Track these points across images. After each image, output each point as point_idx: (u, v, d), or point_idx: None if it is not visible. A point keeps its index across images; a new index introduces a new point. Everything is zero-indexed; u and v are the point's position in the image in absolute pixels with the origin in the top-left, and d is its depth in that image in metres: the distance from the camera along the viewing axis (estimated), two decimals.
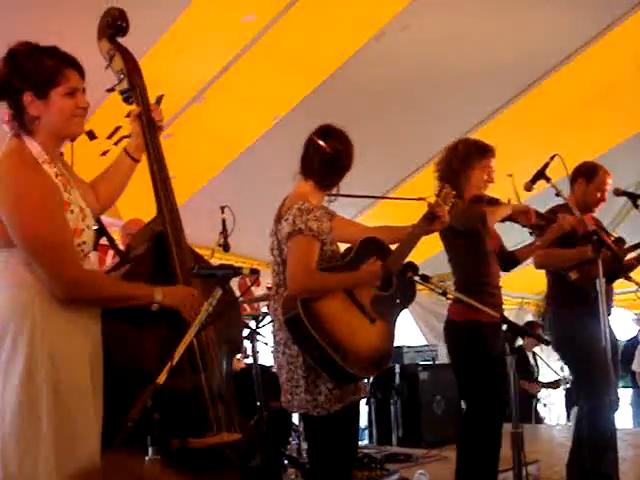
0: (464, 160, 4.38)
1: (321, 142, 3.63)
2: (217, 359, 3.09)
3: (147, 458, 2.32)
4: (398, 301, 3.66)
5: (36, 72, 2.66)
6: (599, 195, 5.03)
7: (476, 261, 4.40)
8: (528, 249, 4.72)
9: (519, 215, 4.48)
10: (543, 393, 10.13)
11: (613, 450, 4.66)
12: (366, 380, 3.64)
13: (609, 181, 5.04)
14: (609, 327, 4.46)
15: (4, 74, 2.67)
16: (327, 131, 3.68)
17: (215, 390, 3.01)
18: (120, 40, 3.28)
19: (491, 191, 4.51)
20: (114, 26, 3.23)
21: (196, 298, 2.91)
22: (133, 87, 3.23)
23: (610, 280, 4.79)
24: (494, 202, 4.44)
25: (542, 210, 4.77)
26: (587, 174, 5.03)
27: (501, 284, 4.62)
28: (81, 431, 2.57)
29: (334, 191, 3.74)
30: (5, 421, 2.47)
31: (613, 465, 4.63)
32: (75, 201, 2.73)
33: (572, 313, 4.84)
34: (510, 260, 4.71)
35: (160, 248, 3.09)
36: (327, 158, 3.61)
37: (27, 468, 2.45)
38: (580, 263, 4.75)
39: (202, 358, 2.98)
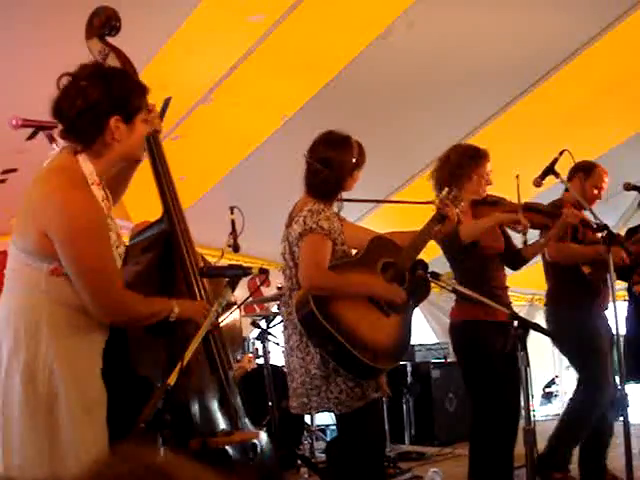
0: (457, 170, 4.31)
1: (307, 157, 3.64)
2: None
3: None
4: (411, 298, 3.66)
5: (129, 97, 2.64)
6: (596, 192, 5.02)
7: (475, 266, 4.36)
8: (535, 247, 4.69)
9: (511, 225, 4.43)
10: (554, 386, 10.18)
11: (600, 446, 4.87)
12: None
13: (606, 179, 5.04)
14: (607, 322, 4.67)
15: (96, 96, 2.58)
16: (320, 140, 3.68)
17: (232, 388, 3.04)
18: (111, 40, 3.21)
19: (498, 188, 4.49)
20: (109, 25, 3.17)
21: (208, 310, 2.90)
22: None
23: (625, 277, 4.82)
24: (498, 203, 4.40)
25: None
26: (585, 170, 5.03)
27: (511, 281, 4.61)
28: (68, 444, 2.53)
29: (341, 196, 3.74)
30: (9, 420, 2.49)
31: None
32: (114, 227, 2.72)
33: (576, 307, 4.85)
34: (517, 259, 4.68)
35: (167, 248, 3.08)
36: (315, 172, 3.62)
37: (28, 466, 2.46)
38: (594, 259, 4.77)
39: (220, 357, 3.00)
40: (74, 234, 2.53)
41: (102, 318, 2.63)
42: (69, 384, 2.54)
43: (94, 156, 2.63)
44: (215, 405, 2.99)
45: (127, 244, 3.10)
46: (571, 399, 5.07)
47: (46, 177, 2.63)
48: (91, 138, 2.61)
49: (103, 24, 3.19)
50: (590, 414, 4.73)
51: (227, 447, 2.89)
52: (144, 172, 3.16)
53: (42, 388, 2.50)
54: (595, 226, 4.46)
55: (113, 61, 3.17)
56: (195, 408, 2.92)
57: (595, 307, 4.86)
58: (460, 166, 4.32)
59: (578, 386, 4.99)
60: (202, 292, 3.05)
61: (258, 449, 3.01)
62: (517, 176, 4.23)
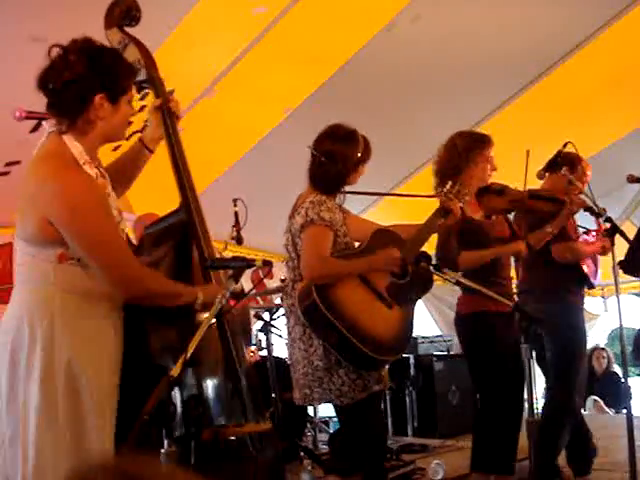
0: (466, 155, 4.23)
1: (312, 149, 3.63)
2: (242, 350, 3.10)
3: (162, 451, 2.33)
4: (414, 290, 3.67)
5: (116, 76, 2.63)
6: (580, 186, 4.94)
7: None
8: (540, 234, 4.64)
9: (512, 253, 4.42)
10: None
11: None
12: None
13: (589, 173, 4.98)
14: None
15: (83, 70, 2.56)
16: (326, 133, 3.68)
17: (245, 380, 3.04)
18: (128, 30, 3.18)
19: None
20: (129, 16, 3.14)
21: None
22: (151, 78, 3.13)
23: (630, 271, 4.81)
24: (503, 191, 4.36)
25: None
26: (570, 162, 4.92)
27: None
28: (94, 432, 2.52)
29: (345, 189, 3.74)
30: (28, 418, 2.45)
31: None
32: (113, 204, 2.71)
33: (568, 304, 4.81)
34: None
35: (184, 238, 3.07)
36: (319, 164, 3.61)
37: (42, 466, 2.43)
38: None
39: (235, 347, 2.99)
40: (75, 212, 2.52)
41: (127, 293, 2.63)
42: (89, 372, 2.53)
43: (78, 134, 2.62)
44: (227, 396, 2.99)
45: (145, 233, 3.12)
46: (547, 404, 4.89)
47: (37, 165, 2.62)
48: (75, 113, 2.59)
49: (123, 14, 3.14)
50: (568, 416, 4.67)
51: (238, 438, 2.89)
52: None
53: (60, 382, 2.48)
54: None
55: (132, 51, 3.12)
56: (207, 398, 2.92)
57: (581, 303, 4.85)
58: (467, 150, 4.24)
59: (553, 388, 4.89)
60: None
61: (265, 441, 3.01)
62: (527, 152, 4.27)
